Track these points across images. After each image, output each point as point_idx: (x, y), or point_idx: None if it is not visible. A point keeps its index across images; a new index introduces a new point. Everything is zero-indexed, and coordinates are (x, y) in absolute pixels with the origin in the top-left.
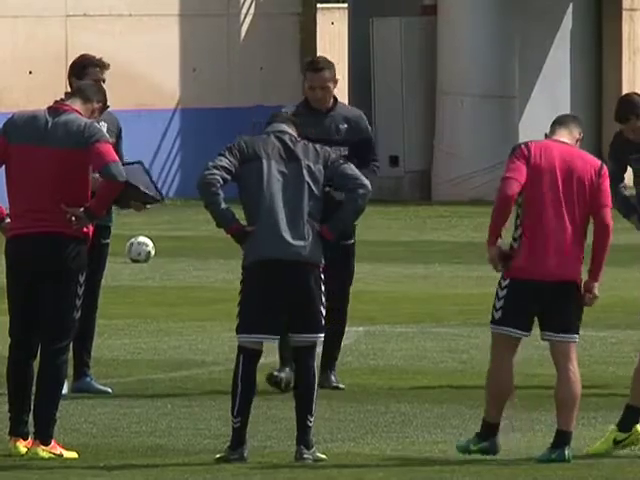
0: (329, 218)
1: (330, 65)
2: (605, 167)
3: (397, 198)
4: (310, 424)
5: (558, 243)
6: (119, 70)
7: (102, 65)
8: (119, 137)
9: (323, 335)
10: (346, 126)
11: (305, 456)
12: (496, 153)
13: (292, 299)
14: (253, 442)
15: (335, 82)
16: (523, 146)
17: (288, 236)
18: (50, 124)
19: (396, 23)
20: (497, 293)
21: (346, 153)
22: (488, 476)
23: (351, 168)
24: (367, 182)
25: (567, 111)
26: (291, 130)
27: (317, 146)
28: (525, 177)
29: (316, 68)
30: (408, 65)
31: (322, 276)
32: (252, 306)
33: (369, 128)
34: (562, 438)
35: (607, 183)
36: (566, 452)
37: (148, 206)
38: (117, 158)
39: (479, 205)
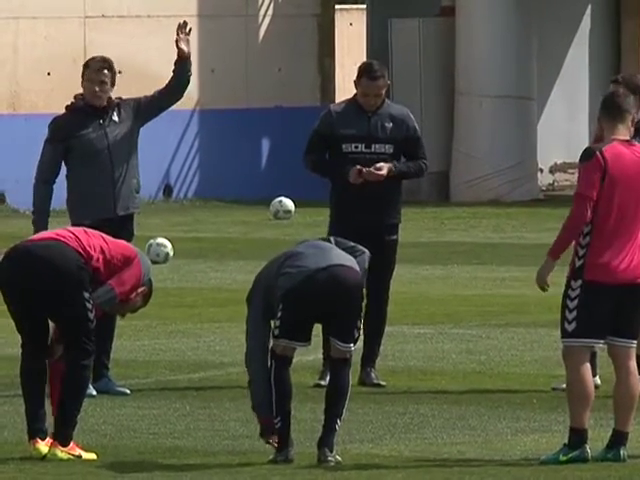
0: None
1: (385, 72)
2: None
3: (415, 199)
4: (337, 427)
5: (635, 246)
6: (137, 71)
7: (98, 67)
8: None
9: (354, 347)
10: (392, 124)
11: (329, 458)
12: (515, 154)
13: (333, 309)
14: (272, 442)
15: (387, 87)
16: (598, 153)
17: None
18: None
19: (414, 24)
20: (567, 305)
21: (391, 151)
22: (507, 478)
23: (363, 261)
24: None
25: (585, 112)
26: None
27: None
28: (597, 192)
29: (373, 76)
30: (426, 66)
31: (364, 295)
32: (289, 315)
33: (416, 127)
34: (619, 438)
35: None
36: (622, 452)
37: None
38: None
39: (498, 206)
